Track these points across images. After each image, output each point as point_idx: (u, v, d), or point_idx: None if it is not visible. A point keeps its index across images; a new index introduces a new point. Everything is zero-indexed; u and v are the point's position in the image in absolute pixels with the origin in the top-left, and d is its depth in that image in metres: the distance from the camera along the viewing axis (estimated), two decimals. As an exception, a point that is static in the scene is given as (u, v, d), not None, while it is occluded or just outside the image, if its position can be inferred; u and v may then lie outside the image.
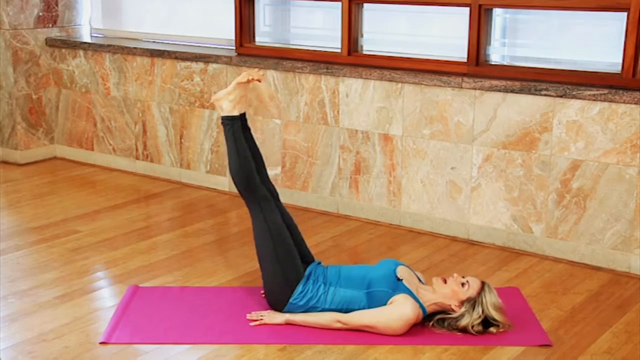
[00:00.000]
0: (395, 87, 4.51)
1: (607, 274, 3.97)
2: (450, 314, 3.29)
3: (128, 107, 5.67)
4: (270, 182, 3.61)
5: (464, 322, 3.25)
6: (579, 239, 4.09)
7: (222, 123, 3.52)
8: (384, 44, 4.80)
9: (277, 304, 3.40)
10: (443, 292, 3.29)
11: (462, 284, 3.27)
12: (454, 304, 3.27)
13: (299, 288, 3.36)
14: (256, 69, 3.51)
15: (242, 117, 3.52)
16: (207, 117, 5.28)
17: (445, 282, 3.31)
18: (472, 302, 3.25)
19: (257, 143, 5.04)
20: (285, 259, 3.38)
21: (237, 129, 3.47)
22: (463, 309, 3.26)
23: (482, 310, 3.24)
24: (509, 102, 4.17)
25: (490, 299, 3.26)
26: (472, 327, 3.25)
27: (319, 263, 3.53)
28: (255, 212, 3.46)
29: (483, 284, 3.30)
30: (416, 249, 4.30)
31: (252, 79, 3.51)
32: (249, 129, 3.57)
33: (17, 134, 5.89)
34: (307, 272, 3.40)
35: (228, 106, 3.50)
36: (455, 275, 3.33)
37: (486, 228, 4.35)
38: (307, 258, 3.53)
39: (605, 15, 4.06)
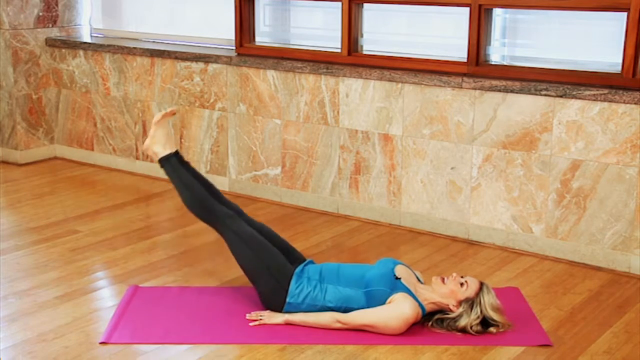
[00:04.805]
0: (395, 87, 4.51)
1: (607, 274, 3.97)
2: (448, 313, 3.29)
3: (128, 107, 5.67)
4: (230, 202, 3.67)
5: (462, 322, 3.25)
6: (579, 239, 4.09)
7: (160, 166, 3.65)
8: (384, 44, 4.80)
9: (276, 307, 3.39)
10: (441, 292, 3.30)
11: (461, 284, 3.28)
12: (452, 303, 3.27)
13: (292, 286, 3.36)
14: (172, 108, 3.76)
15: (176, 154, 3.65)
16: (207, 117, 5.28)
17: (443, 281, 3.32)
18: (470, 302, 3.26)
19: (257, 143, 5.08)
20: (269, 261, 3.39)
21: (175, 164, 3.61)
22: (461, 309, 3.26)
23: (480, 311, 3.25)
24: (509, 102, 4.17)
25: (489, 300, 3.26)
26: (471, 327, 3.25)
27: (311, 261, 3.54)
28: (224, 232, 3.52)
29: (481, 284, 3.30)
30: (416, 249, 4.30)
31: (167, 113, 3.65)
32: (187, 162, 3.68)
33: (17, 134, 5.89)
34: (297, 270, 3.40)
35: (158, 149, 3.64)
36: (454, 274, 3.33)
37: (486, 228, 4.35)
38: (295, 257, 3.53)
39: (605, 15, 4.06)
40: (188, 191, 3.56)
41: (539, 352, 3.18)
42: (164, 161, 3.62)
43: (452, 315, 3.27)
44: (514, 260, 4.14)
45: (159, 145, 3.63)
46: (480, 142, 4.29)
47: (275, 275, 3.37)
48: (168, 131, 3.67)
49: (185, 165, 3.65)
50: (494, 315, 3.26)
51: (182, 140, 5.44)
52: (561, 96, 4.01)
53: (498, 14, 4.39)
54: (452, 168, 4.41)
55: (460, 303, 3.26)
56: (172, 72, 5.38)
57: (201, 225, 4.63)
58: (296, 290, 3.35)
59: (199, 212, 3.57)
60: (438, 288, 3.31)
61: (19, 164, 5.91)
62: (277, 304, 3.38)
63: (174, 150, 3.64)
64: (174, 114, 3.70)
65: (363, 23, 4.80)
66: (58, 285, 3.78)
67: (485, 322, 3.27)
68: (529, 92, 4.10)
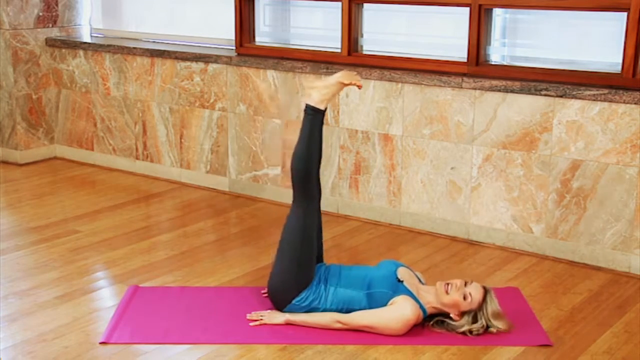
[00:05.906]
0: (395, 87, 4.51)
1: (607, 274, 3.97)
2: (450, 318, 3.28)
3: (128, 107, 5.67)
4: (320, 183, 3.58)
5: (464, 329, 3.25)
6: (579, 239, 4.09)
7: (304, 110, 3.49)
8: (384, 44, 4.80)
9: (279, 303, 3.39)
10: (444, 301, 3.26)
11: (464, 297, 3.23)
12: (454, 313, 3.26)
13: (304, 292, 3.36)
14: (354, 73, 3.54)
15: (324, 113, 3.50)
16: (207, 117, 5.28)
17: (447, 291, 3.26)
18: (473, 314, 3.24)
19: (257, 143, 5.08)
20: (304, 262, 3.37)
21: (316, 123, 3.46)
22: (463, 321, 3.25)
23: (484, 322, 3.23)
24: (509, 102, 4.17)
25: (491, 309, 3.23)
26: (471, 332, 3.25)
27: (324, 264, 3.53)
28: (298, 205, 3.44)
29: (485, 293, 3.26)
30: (416, 249, 4.30)
31: (356, 84, 3.49)
32: (322, 125, 3.53)
33: (17, 134, 5.89)
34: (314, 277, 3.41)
35: (318, 97, 3.46)
36: (458, 283, 3.27)
37: (486, 228, 4.35)
38: (318, 260, 3.53)
39: (605, 15, 4.06)
40: (306, 151, 3.44)
41: (539, 352, 3.18)
42: (312, 112, 3.46)
43: (453, 323, 3.27)
44: (514, 260, 4.14)
45: (322, 97, 3.46)
46: (480, 142, 4.29)
47: (298, 275, 3.35)
48: (337, 94, 3.56)
49: (322, 129, 3.52)
50: (497, 323, 3.24)
51: (182, 140, 5.44)
52: (561, 96, 4.01)
53: (498, 14, 4.40)
54: (452, 168, 4.41)
55: (462, 314, 3.25)
56: (172, 72, 5.38)
57: (201, 225, 4.66)
58: (304, 295, 3.35)
59: (297, 174, 3.45)
60: (441, 296, 3.28)
61: (19, 164, 5.91)
62: (282, 300, 3.38)
63: (324, 108, 3.49)
64: (360, 88, 3.54)
65: (363, 23, 4.80)
66: (58, 285, 3.78)
67: (488, 327, 3.27)
68: (529, 92, 4.10)
